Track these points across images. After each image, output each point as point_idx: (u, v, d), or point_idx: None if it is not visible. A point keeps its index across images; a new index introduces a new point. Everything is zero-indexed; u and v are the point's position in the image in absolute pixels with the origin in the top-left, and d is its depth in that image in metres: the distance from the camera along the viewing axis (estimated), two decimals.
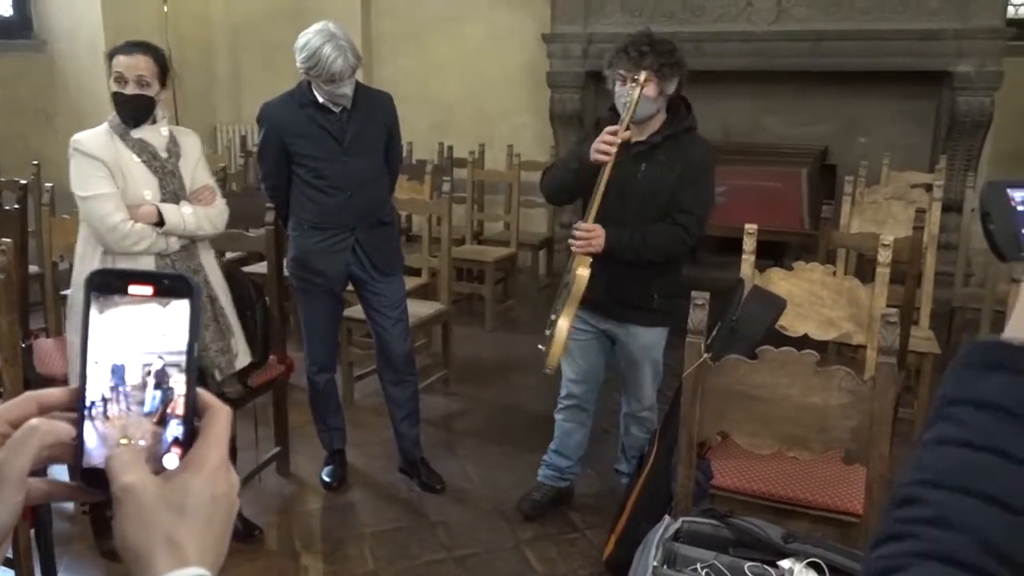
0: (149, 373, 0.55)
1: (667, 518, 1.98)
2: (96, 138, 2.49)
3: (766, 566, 1.76)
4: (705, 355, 2.05)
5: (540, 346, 2.73)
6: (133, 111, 2.49)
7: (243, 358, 2.76)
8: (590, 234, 2.57)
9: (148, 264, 2.51)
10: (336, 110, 2.91)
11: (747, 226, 2.80)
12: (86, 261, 2.54)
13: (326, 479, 3.23)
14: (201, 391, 0.56)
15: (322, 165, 2.94)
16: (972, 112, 5.12)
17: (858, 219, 4.04)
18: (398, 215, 3.27)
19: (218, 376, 2.65)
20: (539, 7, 6.05)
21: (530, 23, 6.09)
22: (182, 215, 2.54)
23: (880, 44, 5.20)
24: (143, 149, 2.52)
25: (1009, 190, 0.73)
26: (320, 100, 2.88)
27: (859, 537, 2.03)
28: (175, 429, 0.55)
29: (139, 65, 2.46)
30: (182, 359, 0.55)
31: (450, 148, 6.03)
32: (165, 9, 6.15)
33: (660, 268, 2.69)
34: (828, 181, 5.45)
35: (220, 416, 0.56)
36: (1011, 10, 5.59)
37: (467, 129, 6.41)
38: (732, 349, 2.19)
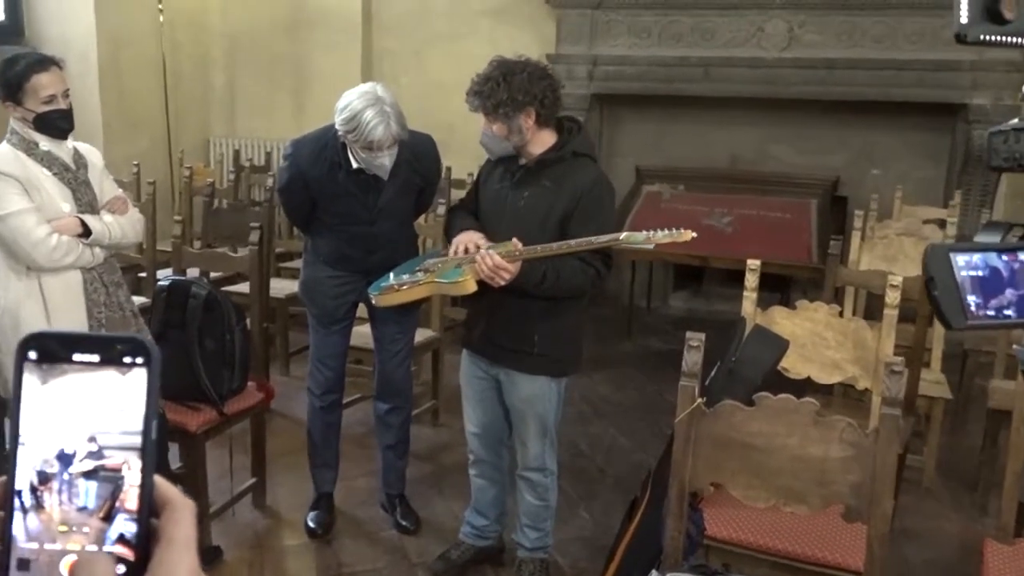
0: (94, 456, 0.47)
1: (655, 573, 1.84)
2: (2, 157, 2.40)
3: None
4: (699, 400, 1.91)
5: (371, 293, 2.57)
6: (70, 123, 2.49)
7: None
8: (500, 273, 2.27)
9: (76, 280, 2.46)
10: (369, 174, 2.72)
11: (749, 262, 2.66)
12: (6, 286, 2.42)
13: (311, 525, 3.01)
14: (159, 481, 0.48)
15: (347, 224, 2.79)
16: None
17: (868, 255, 3.90)
18: (417, 250, 3.07)
19: None
20: (544, 27, 5.96)
21: (534, 43, 5.97)
22: (105, 223, 2.49)
23: (893, 74, 5.08)
24: (52, 162, 2.45)
25: (953, 255, 0.72)
26: (354, 166, 2.70)
27: None
28: (123, 525, 0.47)
29: (63, 78, 2.45)
30: (136, 440, 0.47)
31: (449, 169, 5.92)
32: (161, 18, 6.05)
33: (544, 311, 2.42)
34: (839, 213, 5.32)
35: (185, 514, 0.48)
36: None
37: (468, 150, 6.24)
38: (731, 392, 2.05)
